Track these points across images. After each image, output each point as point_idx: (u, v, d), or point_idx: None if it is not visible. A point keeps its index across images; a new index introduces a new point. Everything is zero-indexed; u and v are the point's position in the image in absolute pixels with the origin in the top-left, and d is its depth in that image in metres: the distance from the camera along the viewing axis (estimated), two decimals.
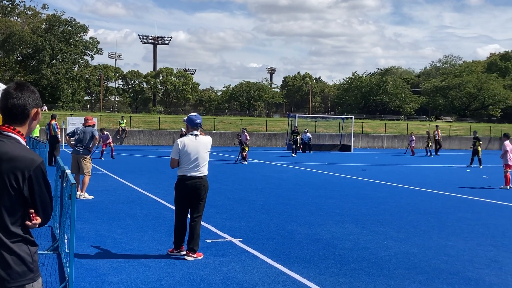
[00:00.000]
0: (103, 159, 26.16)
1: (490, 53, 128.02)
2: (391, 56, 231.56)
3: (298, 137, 36.22)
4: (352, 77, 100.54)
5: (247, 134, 28.21)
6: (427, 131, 39.46)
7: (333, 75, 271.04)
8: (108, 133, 28.25)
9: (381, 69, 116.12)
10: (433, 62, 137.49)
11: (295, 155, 33.02)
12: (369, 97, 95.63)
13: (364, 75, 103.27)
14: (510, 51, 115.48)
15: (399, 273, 7.19)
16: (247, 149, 26.13)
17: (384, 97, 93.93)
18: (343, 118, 49.28)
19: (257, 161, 27.46)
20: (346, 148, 42.62)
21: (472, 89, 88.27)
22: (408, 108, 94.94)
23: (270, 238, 9.20)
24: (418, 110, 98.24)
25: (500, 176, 21.82)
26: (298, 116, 43.84)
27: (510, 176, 18.16)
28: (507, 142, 18.26)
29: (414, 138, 38.62)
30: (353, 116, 48.90)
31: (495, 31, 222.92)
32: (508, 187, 17.93)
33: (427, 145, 37.53)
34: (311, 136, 40.05)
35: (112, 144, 27.62)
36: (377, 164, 28.54)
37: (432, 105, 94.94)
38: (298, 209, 12.45)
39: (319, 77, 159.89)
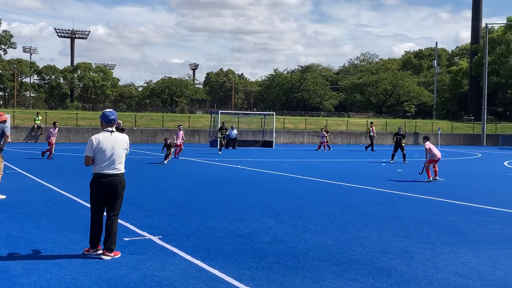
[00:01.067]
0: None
1: (405, 51, 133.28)
2: (312, 54, 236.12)
3: (226, 134, 36.30)
4: (274, 74, 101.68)
5: (182, 132, 27.96)
6: (325, 127, 40.87)
7: (255, 72, 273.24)
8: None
9: (302, 66, 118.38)
10: (351, 59, 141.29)
11: (221, 152, 32.63)
12: (290, 93, 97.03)
13: (285, 72, 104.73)
14: (423, 49, 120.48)
15: (315, 265, 7.34)
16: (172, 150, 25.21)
17: (305, 94, 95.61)
18: (265, 115, 49.81)
19: (180, 158, 27.24)
20: (268, 144, 43.10)
21: (388, 86, 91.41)
22: (328, 104, 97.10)
23: (190, 234, 9.16)
24: (337, 107, 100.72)
25: (413, 171, 22.77)
26: (221, 112, 43.87)
27: (430, 169, 18.95)
28: (427, 143, 19.19)
29: (325, 134, 39.19)
30: (274, 113, 49.50)
31: (410, 30, 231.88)
32: (431, 179, 18.77)
33: (326, 141, 38.58)
34: (237, 133, 40.29)
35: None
36: (298, 160, 29.04)
37: (350, 101, 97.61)
38: (219, 205, 12.47)
39: (242, 74, 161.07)
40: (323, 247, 8.42)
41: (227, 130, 36.80)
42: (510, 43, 78.26)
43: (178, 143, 27.13)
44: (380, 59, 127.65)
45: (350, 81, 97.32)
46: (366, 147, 40.13)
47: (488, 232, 9.86)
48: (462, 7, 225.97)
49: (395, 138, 28.84)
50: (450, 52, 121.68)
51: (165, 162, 23.62)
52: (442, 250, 8.40)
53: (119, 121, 31.15)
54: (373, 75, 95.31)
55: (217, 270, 7.00)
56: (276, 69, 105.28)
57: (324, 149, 38.51)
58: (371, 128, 40.59)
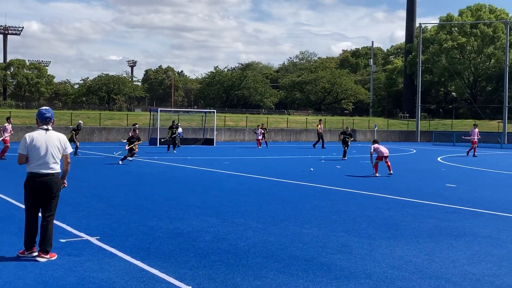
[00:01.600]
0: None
1: (343, 50, 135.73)
2: (252, 52, 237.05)
3: (176, 132, 35.92)
4: (214, 71, 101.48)
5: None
6: (262, 124, 41.20)
7: (195, 69, 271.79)
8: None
9: (242, 64, 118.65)
10: (290, 58, 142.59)
11: (175, 151, 31.65)
12: (231, 91, 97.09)
13: (225, 70, 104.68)
14: (360, 48, 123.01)
15: (257, 262, 7.36)
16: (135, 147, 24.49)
17: (245, 92, 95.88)
18: (205, 112, 49.59)
19: (118, 156, 26.74)
20: (209, 141, 42.94)
21: (326, 84, 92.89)
22: (268, 102, 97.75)
23: (129, 234, 9.00)
24: (278, 104, 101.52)
25: (351, 167, 23.23)
26: (160, 110, 43.35)
27: (378, 165, 19.81)
28: (373, 146, 19.99)
29: (261, 131, 39.23)
30: (215, 110, 49.37)
31: (347, 29, 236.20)
32: (378, 175, 19.49)
33: (263, 137, 38.85)
34: (182, 131, 39.99)
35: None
36: (239, 157, 29.07)
37: (290, 99, 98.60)
38: (159, 204, 12.32)
39: (182, 71, 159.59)
40: (264, 244, 8.46)
41: (177, 128, 36.45)
42: (443, 43, 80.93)
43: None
44: (318, 58, 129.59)
45: (290, 79, 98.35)
46: (314, 144, 40.27)
47: (423, 226, 10.16)
48: (397, 7, 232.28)
49: (341, 136, 28.62)
50: (385, 51, 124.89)
51: (131, 159, 23.55)
52: (380, 244, 8.59)
53: (80, 121, 30.34)
54: (312, 73, 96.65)
55: (157, 270, 6.91)
56: (217, 66, 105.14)
57: (259, 146, 38.66)
58: (319, 125, 40.54)
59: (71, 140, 26.16)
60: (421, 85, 67.63)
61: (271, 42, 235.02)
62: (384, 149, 19.82)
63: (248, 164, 24.53)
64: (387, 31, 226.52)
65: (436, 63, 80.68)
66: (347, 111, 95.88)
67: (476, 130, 33.09)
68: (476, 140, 32.59)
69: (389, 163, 20.08)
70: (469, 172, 22.63)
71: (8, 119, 26.31)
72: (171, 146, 32.40)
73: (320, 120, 43.56)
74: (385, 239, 8.92)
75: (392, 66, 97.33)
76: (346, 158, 27.77)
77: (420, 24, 67.14)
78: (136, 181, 16.82)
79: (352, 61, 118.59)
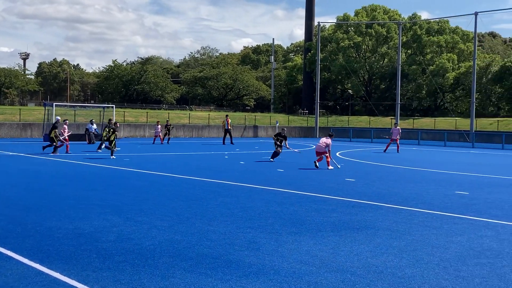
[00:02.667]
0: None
1: (244, 46, 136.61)
2: (151, 46, 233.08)
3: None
4: (113, 65, 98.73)
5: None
6: (167, 120, 40.95)
7: (92, 63, 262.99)
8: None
9: (142, 58, 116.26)
10: (192, 53, 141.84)
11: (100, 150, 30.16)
12: (130, 86, 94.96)
13: (124, 64, 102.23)
14: (261, 45, 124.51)
15: (164, 262, 7.18)
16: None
17: (145, 86, 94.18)
18: (104, 107, 48.18)
19: (10, 153, 25.36)
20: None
21: (228, 80, 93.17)
22: (169, 97, 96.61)
23: (26, 236, 8.50)
24: (179, 100, 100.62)
25: (256, 162, 23.45)
26: (55, 104, 41.59)
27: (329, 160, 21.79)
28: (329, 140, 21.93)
29: (159, 127, 38.86)
30: (114, 105, 48.08)
31: (248, 25, 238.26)
32: (331, 167, 21.43)
33: (166, 134, 38.58)
34: (96, 127, 38.65)
35: None
36: (140, 153, 28.47)
37: (191, 94, 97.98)
38: (58, 203, 11.76)
39: (78, 64, 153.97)
40: (170, 242, 8.28)
41: (93, 124, 35.74)
42: (340, 42, 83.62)
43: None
44: (220, 53, 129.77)
45: (191, 74, 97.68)
46: (223, 140, 39.73)
47: (327, 220, 10.38)
48: (296, 6, 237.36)
49: (276, 138, 26.18)
50: (285, 48, 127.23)
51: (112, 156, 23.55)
52: (286, 239, 8.67)
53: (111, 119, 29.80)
54: (214, 69, 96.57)
55: (58, 273, 6.56)
56: (115, 60, 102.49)
57: (162, 142, 38.33)
58: (226, 121, 40.19)
59: None
60: (320, 83, 69.59)
61: (171, 36, 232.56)
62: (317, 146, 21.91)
63: (149, 160, 24.07)
64: (287, 29, 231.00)
65: (334, 61, 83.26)
66: (249, 107, 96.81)
67: (397, 128, 34.90)
68: (396, 138, 34.18)
69: (321, 160, 21.77)
70: (366, 166, 23.50)
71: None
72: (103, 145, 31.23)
73: (227, 115, 43.12)
74: (291, 234, 9.02)
75: (292, 64, 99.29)
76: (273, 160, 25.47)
77: (318, 23, 68.98)
78: (33, 180, 15.99)
79: (253, 57, 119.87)
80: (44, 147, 26.90)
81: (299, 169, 21.21)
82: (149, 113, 58.95)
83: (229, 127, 39.44)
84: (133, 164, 21.85)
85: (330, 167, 21.50)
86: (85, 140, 37.55)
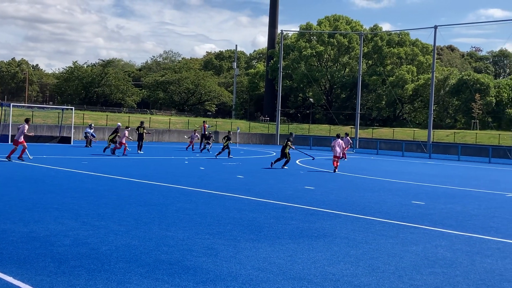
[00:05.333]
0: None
1: (207, 52, 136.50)
2: (113, 48, 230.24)
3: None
4: (73, 66, 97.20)
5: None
6: (142, 122, 40.30)
7: (52, 63, 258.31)
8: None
9: (103, 60, 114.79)
10: (154, 56, 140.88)
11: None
12: (90, 88, 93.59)
13: (85, 65, 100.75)
14: (224, 51, 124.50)
15: (120, 267, 7.09)
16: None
17: (106, 89, 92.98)
18: (63, 109, 47.37)
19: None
20: (66, 140, 41.05)
21: (190, 85, 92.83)
22: (130, 101, 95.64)
23: None
24: (140, 103, 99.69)
25: (216, 168, 23.40)
26: (12, 105, 40.69)
27: (337, 164, 25.00)
28: (338, 141, 25.77)
29: (90, 130, 38.47)
30: (73, 107, 47.33)
31: (211, 31, 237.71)
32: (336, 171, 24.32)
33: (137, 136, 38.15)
34: (93, 131, 38.55)
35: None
36: (98, 157, 28.06)
37: (153, 98, 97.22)
38: (12, 206, 11.48)
39: (37, 65, 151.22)
40: (127, 248, 8.18)
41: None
42: (302, 50, 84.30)
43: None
44: (182, 58, 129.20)
45: (153, 78, 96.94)
46: (200, 146, 40.32)
47: (285, 227, 10.43)
48: (260, 13, 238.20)
49: (225, 138, 30.99)
50: (248, 55, 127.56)
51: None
52: (245, 246, 8.67)
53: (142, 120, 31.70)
54: (176, 74, 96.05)
55: (11, 277, 6.41)
56: (76, 61, 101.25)
57: (193, 149, 39.07)
58: (203, 126, 40.71)
59: None
60: (282, 90, 70.01)
61: (134, 39, 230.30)
62: (336, 150, 25.22)
63: (108, 164, 23.76)
64: (250, 36, 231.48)
65: (296, 69, 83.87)
66: (210, 113, 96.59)
67: (347, 138, 36.39)
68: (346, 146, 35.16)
69: (337, 164, 24.95)
70: (325, 175, 23.72)
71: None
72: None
73: (204, 121, 43.52)
74: (249, 241, 9.03)
75: (254, 70, 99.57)
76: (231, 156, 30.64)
77: (281, 31, 69.45)
78: None
79: (216, 63, 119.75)
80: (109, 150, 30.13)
81: (259, 176, 21.26)
82: (109, 116, 58.23)
83: (206, 133, 40.04)
84: (92, 167, 21.53)
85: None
86: (45, 142, 36.89)
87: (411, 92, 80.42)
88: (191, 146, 39.52)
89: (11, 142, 35.61)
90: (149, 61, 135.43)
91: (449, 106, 78.99)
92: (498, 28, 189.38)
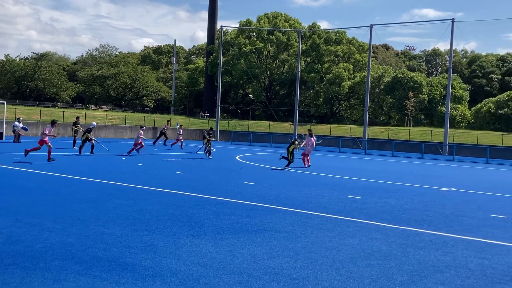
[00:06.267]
0: None
1: (145, 46, 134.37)
2: (47, 41, 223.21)
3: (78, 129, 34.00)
4: (5, 59, 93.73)
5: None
6: (77, 117, 39.33)
7: None
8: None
9: (37, 54, 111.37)
10: (89, 50, 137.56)
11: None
12: (23, 82, 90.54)
13: (18, 59, 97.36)
14: (162, 45, 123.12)
15: (56, 265, 6.92)
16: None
17: (40, 83, 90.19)
18: None
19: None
20: None
21: (127, 80, 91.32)
22: (64, 95, 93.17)
23: None
24: (75, 98, 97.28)
25: (155, 164, 23.18)
26: None
27: (307, 159, 25.98)
28: (310, 139, 26.02)
29: (19, 124, 37.35)
30: (5, 102, 45.66)
31: (149, 25, 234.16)
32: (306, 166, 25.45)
33: (75, 133, 37.16)
34: (22, 125, 36.70)
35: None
36: (31, 153, 27.17)
37: (88, 93, 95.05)
38: None
39: None
40: (63, 245, 7.99)
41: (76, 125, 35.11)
42: (242, 46, 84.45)
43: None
44: (119, 52, 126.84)
45: (88, 73, 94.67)
46: (165, 143, 41.56)
47: (225, 223, 10.45)
48: (200, 8, 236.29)
49: (207, 136, 30.14)
50: (187, 50, 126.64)
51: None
52: (184, 242, 8.64)
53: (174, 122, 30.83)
54: (112, 68, 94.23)
55: None
56: (7, 54, 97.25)
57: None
58: (166, 125, 42.60)
59: None
60: (221, 86, 69.90)
61: (68, 32, 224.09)
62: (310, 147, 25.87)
63: (42, 160, 23.07)
64: (189, 31, 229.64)
65: (236, 65, 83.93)
66: (148, 108, 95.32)
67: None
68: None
69: (307, 159, 25.82)
70: (265, 171, 23.88)
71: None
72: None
73: (168, 120, 46.42)
74: (189, 237, 8.99)
75: (193, 66, 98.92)
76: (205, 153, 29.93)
77: (221, 26, 69.32)
78: None
79: (154, 58, 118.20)
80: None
81: (199, 172, 21.19)
82: (43, 111, 56.54)
83: (165, 131, 41.25)
84: (25, 163, 20.86)
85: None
86: None
87: (347, 90, 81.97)
88: (178, 143, 39.48)
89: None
90: (84, 55, 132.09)
91: (384, 103, 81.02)
92: (431, 28, 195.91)
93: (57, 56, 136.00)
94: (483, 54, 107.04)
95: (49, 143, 22.90)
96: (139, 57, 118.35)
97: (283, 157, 25.45)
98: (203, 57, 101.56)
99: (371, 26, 56.34)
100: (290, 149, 25.32)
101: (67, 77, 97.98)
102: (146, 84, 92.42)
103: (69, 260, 7.18)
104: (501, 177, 27.25)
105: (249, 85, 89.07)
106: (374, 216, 12.20)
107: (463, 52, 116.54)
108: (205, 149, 30.12)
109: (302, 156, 26.66)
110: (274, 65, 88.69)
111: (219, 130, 63.64)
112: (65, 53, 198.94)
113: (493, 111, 71.02)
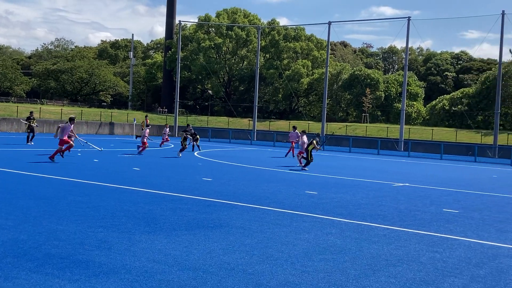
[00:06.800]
0: None
1: (102, 40, 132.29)
2: (1, 34, 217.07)
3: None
4: None
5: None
6: (31, 112, 38.41)
7: None
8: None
9: None
10: (45, 44, 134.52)
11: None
12: None
13: None
14: (120, 40, 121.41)
15: (7, 262, 6.78)
16: None
17: None
18: None
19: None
20: None
21: (84, 74, 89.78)
22: (19, 90, 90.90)
23: None
24: (29, 93, 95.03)
25: (111, 160, 22.90)
26: None
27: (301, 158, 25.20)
28: (304, 136, 25.39)
29: (167, 129, 38.86)
30: None
31: (107, 19, 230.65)
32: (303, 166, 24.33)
33: (28, 128, 36.25)
34: None
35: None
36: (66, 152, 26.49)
37: (43, 88, 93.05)
38: None
39: None
40: (15, 242, 7.83)
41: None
42: (201, 42, 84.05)
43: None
44: (76, 46, 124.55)
45: (44, 67, 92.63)
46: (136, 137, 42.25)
47: (182, 219, 10.41)
48: (158, 3, 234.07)
49: (185, 133, 29.83)
50: (145, 45, 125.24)
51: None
52: (140, 238, 8.57)
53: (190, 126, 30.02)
54: (68, 62, 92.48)
55: None
56: None
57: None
58: (145, 121, 41.87)
59: None
60: (180, 82, 69.47)
61: (23, 25, 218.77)
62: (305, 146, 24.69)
63: None
64: (148, 25, 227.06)
65: (194, 61, 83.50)
66: (105, 103, 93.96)
67: (296, 132, 33.25)
68: (294, 141, 32.60)
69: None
70: (223, 166, 23.87)
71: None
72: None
73: (146, 116, 45.74)
74: (144, 233, 8.92)
75: (152, 61, 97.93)
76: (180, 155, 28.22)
77: (179, 21, 68.82)
78: None
79: (112, 52, 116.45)
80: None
81: (156, 168, 21.02)
82: None
83: (143, 127, 40.61)
84: None
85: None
86: None
87: (306, 86, 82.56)
88: (165, 142, 39.01)
89: None
90: (39, 49, 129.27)
91: (341, 100, 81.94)
92: (388, 26, 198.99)
93: (12, 49, 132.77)
94: (438, 52, 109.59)
95: (72, 142, 22.10)
96: (96, 52, 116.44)
97: (302, 157, 24.92)
98: (161, 52, 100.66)
99: (329, 23, 56.87)
100: (310, 148, 24.35)
101: (22, 71, 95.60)
102: (103, 78, 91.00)
103: (21, 258, 7.04)
104: (454, 173, 27.94)
105: (208, 81, 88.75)
106: (330, 211, 12.35)
107: (419, 50, 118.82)
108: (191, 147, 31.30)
109: (298, 155, 26.12)
110: (233, 60, 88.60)
111: (178, 126, 63.24)
112: (19, 47, 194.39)
113: (447, 108, 72.68)
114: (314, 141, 24.65)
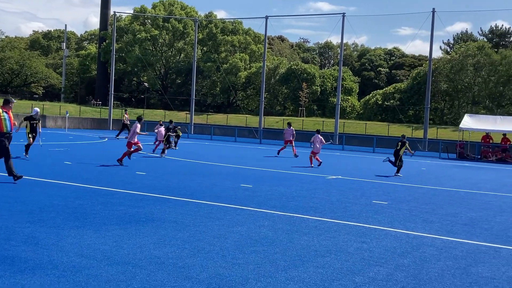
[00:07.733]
0: None
1: (34, 31, 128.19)
2: None
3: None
4: None
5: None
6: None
7: None
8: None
9: None
10: None
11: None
12: None
13: None
14: (52, 30, 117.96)
15: None
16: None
17: None
18: None
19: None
20: None
21: (14, 66, 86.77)
22: None
23: None
24: None
25: (41, 154, 22.33)
26: None
27: (312, 158, 24.57)
28: (318, 136, 24.74)
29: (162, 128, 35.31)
30: None
31: (39, 9, 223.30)
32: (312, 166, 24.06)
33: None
34: None
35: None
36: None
37: None
38: None
39: None
40: None
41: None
42: (136, 33, 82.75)
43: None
44: (6, 36, 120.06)
45: None
46: (117, 135, 40.44)
47: (113, 213, 10.26)
48: None
49: (169, 131, 28.79)
50: (79, 36, 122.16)
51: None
52: (68, 233, 8.40)
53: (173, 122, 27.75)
54: None
55: None
56: None
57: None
58: (125, 115, 40.86)
59: None
60: (115, 74, 68.21)
61: None
62: (317, 148, 24.55)
63: None
64: (82, 16, 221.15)
65: (130, 52, 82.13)
66: (37, 96, 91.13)
67: (291, 129, 32.47)
68: (290, 139, 31.95)
69: (311, 158, 24.60)
70: (158, 160, 23.65)
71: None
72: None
73: (126, 110, 44.95)
74: (73, 228, 8.75)
75: (85, 52, 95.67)
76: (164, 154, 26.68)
77: (114, 12, 67.43)
78: None
79: (44, 43, 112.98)
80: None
81: (88, 162, 20.60)
82: None
83: (126, 122, 40.10)
84: None
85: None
86: None
87: (244, 80, 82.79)
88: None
89: None
90: None
91: (279, 94, 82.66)
92: (324, 21, 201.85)
93: None
94: (372, 48, 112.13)
95: (140, 144, 20.85)
96: (27, 42, 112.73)
97: (390, 161, 22.99)
98: (95, 43, 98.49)
99: (266, 17, 57.19)
100: (401, 153, 22.68)
101: None
102: (35, 70, 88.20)
103: None
104: (385, 166, 28.73)
105: (144, 73, 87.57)
106: (264, 204, 12.47)
107: (353, 46, 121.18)
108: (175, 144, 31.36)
109: (311, 155, 24.71)
110: (170, 53, 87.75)
111: (112, 119, 62.09)
112: None
113: (380, 102, 74.62)
114: (407, 143, 23.00)
